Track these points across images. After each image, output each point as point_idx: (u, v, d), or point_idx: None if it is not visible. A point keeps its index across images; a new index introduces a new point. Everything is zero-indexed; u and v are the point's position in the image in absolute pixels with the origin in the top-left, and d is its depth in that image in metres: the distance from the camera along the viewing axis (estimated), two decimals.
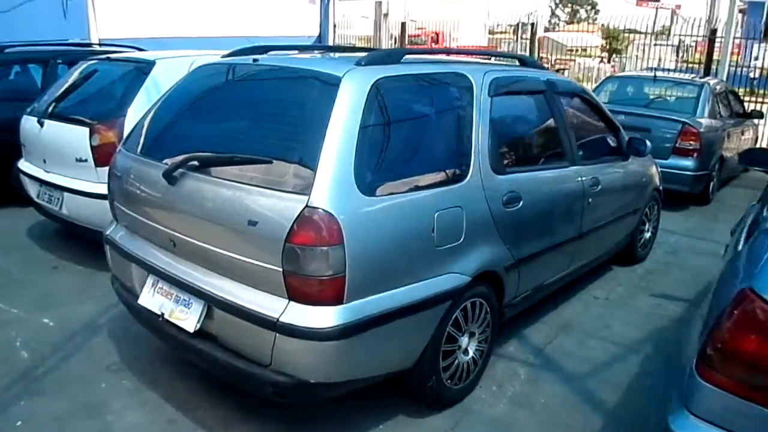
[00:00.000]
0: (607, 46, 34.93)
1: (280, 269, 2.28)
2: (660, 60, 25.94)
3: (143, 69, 4.40)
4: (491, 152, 2.94)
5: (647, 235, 5.14)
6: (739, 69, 13.33)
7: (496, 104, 3.06)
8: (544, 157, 3.55)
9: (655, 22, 28.29)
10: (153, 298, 2.78)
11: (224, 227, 2.45)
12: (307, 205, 2.23)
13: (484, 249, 2.86)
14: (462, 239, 2.71)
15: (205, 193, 2.51)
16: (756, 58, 16.21)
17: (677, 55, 25.35)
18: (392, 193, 2.45)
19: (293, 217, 2.24)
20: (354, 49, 4.38)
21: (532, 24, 18.49)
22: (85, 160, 4.17)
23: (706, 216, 6.95)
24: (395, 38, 15.31)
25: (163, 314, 2.70)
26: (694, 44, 24.12)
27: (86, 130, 4.15)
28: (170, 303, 2.70)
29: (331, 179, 2.27)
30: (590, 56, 32.30)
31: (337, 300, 2.29)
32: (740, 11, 30.48)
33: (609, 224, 4.18)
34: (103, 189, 3.92)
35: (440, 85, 2.94)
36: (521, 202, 3.07)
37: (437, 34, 28.22)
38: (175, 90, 3.16)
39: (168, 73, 4.38)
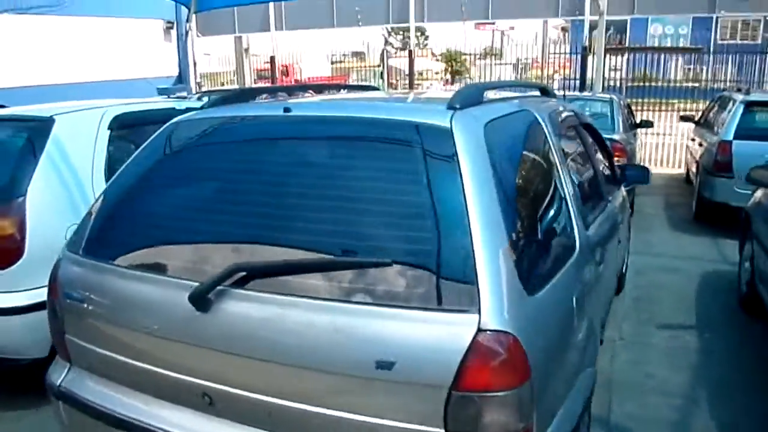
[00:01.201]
0: (449, 69, 36.63)
1: (441, 431, 1.49)
2: (499, 78, 27.67)
3: (38, 130, 3.24)
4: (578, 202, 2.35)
5: (627, 259, 4.89)
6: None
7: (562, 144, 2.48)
8: (597, 199, 3.02)
9: (492, 44, 30.07)
10: None
11: (325, 373, 1.58)
12: (479, 329, 1.46)
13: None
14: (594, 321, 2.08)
15: (274, 322, 1.62)
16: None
17: (515, 73, 27.23)
18: (544, 285, 1.75)
19: (462, 348, 1.46)
20: (351, 87, 3.53)
21: (384, 51, 18.62)
22: None
23: (636, 228, 6.96)
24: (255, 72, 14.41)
25: None
26: (530, 62, 26.00)
27: None
28: None
29: (500, 281, 1.50)
30: (435, 79, 33.62)
31: None
32: (562, 29, 33.63)
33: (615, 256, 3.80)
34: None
35: (523, 127, 2.27)
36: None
37: (286, 67, 27.65)
38: (152, 158, 2.17)
39: (74, 133, 3.33)
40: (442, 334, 1.48)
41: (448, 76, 34.83)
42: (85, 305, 1.93)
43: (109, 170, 3.41)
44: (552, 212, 2.07)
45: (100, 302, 1.92)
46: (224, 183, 2.01)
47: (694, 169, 7.89)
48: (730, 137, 6.32)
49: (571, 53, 25.31)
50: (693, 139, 8.47)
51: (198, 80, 10.63)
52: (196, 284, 1.66)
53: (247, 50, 14.01)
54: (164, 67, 12.14)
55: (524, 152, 2.16)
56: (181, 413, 1.81)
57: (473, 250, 1.51)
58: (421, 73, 35.88)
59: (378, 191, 1.76)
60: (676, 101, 15.36)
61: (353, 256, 1.64)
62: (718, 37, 26.67)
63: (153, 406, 1.86)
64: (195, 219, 1.95)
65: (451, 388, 1.46)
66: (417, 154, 1.73)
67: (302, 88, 3.65)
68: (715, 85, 19.62)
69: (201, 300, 1.66)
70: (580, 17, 21.01)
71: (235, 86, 14.40)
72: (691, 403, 3.27)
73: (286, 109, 2.02)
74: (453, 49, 33.29)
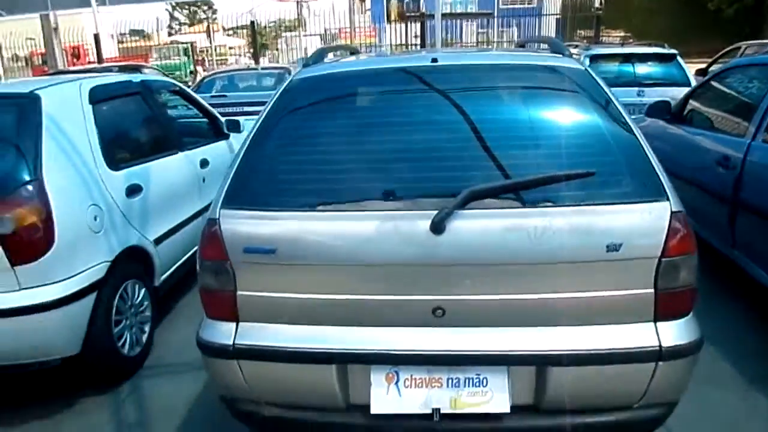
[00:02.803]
0: (250, 43, 35.79)
1: (652, 291, 1.88)
2: (306, 50, 27.90)
3: (26, 107, 2.88)
4: None
5: None
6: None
7: None
8: None
9: (299, 15, 30.04)
10: (401, 397, 1.95)
11: (565, 264, 1.86)
12: (672, 211, 1.88)
13: None
14: None
15: (512, 230, 1.85)
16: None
17: (324, 43, 27.79)
18: None
19: (665, 227, 1.86)
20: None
21: (210, 27, 17.58)
22: None
23: None
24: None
25: (437, 410, 1.93)
26: (337, 32, 26.63)
27: None
28: (444, 391, 1.94)
29: (664, 174, 1.95)
30: (239, 55, 32.66)
31: (690, 308, 2.00)
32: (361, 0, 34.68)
33: None
34: (32, 298, 2.61)
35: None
36: None
37: (76, 48, 24.87)
38: (291, 113, 2.17)
39: (63, 108, 3.07)
40: (649, 218, 1.87)
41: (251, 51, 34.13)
42: (278, 255, 1.94)
43: (103, 145, 3.17)
44: None
45: (305, 246, 1.94)
46: (404, 129, 2.15)
47: None
48: None
49: (372, 22, 26.43)
50: None
51: None
52: (433, 213, 1.83)
53: (56, 29, 12.46)
54: None
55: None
56: (399, 333, 1.94)
57: (650, 159, 1.95)
58: (215, 49, 34.59)
59: (560, 124, 2.15)
60: None
61: (553, 170, 1.93)
62: (500, 2, 29.79)
63: (361, 332, 1.96)
64: (374, 161, 2.05)
65: (660, 256, 1.86)
66: (577, 89, 2.13)
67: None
68: (505, 45, 21.98)
69: (440, 224, 1.83)
70: None
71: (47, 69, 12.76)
72: None
73: (434, 60, 2.27)
74: (252, 20, 32.59)
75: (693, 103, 4.65)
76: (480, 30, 25.28)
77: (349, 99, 2.30)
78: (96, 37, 12.13)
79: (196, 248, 3.90)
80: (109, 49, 26.78)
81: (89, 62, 23.52)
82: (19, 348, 2.69)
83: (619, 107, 2.10)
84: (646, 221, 1.87)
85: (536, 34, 22.80)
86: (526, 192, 1.91)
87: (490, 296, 1.90)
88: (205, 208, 3.98)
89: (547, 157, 2.00)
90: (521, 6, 29.23)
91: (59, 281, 2.72)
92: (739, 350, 3.25)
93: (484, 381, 1.94)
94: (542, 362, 1.90)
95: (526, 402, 1.96)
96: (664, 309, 1.90)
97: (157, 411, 2.93)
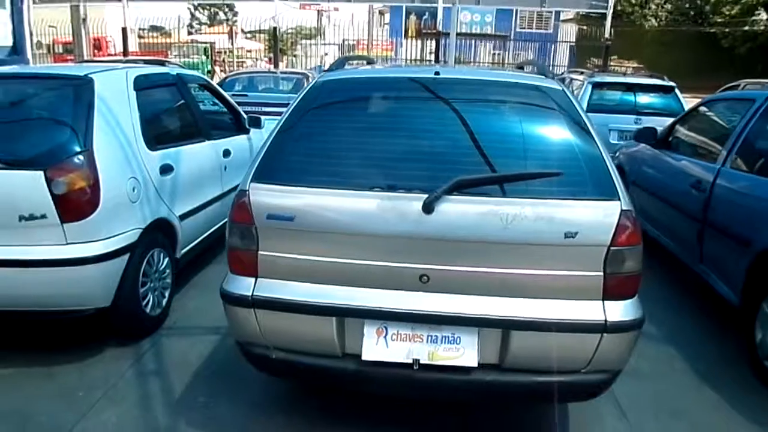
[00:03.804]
0: (269, 48, 36.33)
1: (601, 274, 2.27)
2: (322, 58, 28.37)
3: (82, 87, 3.31)
4: None
5: None
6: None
7: None
8: None
9: (319, 24, 30.67)
10: (388, 348, 2.35)
11: (529, 245, 2.27)
12: (621, 209, 2.28)
13: None
14: None
15: (490, 214, 2.25)
16: None
17: (341, 53, 28.30)
18: None
19: (615, 221, 2.26)
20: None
21: (232, 29, 18.12)
22: (41, 217, 2.99)
23: None
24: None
25: (417, 360, 2.33)
26: (355, 43, 27.17)
27: (38, 174, 2.97)
28: (423, 345, 2.33)
29: (619, 181, 2.36)
30: (257, 58, 33.28)
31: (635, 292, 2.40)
32: (380, 13, 35.29)
33: None
34: (77, 252, 3.01)
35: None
36: None
37: (98, 40, 25.45)
38: (313, 110, 2.63)
39: (112, 91, 3.50)
40: (602, 213, 2.28)
41: (271, 55, 34.71)
42: (295, 223, 2.35)
43: (143, 126, 3.59)
44: None
45: (317, 217, 2.34)
46: (403, 129, 2.59)
47: None
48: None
49: (390, 37, 26.91)
50: None
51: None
52: (424, 196, 2.24)
53: (84, 20, 12.97)
54: None
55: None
56: (391, 294, 2.34)
57: (608, 167, 2.37)
58: (232, 51, 35.18)
59: (529, 131, 2.60)
60: None
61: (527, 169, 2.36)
62: (517, 26, 30.42)
63: (359, 292, 2.36)
64: (379, 151, 2.49)
65: (609, 245, 2.26)
66: (553, 106, 2.57)
67: None
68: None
69: (430, 205, 2.24)
70: (398, 3, 22.63)
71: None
72: None
73: (437, 73, 2.69)
74: (275, 26, 33.06)
75: (677, 131, 5.06)
76: (495, 51, 25.83)
77: (362, 100, 2.74)
78: (123, 31, 12.68)
79: (214, 228, 4.37)
80: (130, 44, 27.36)
81: (110, 55, 24.10)
82: (62, 295, 3.10)
83: (588, 123, 2.52)
84: (599, 216, 2.28)
85: (550, 59, 23.31)
86: (503, 185, 2.32)
87: (468, 268, 2.30)
88: (225, 194, 4.42)
89: (522, 158, 2.43)
90: (537, 31, 29.89)
91: (100, 240, 3.13)
92: (695, 352, 3.64)
93: (458, 339, 2.33)
94: (507, 326, 2.30)
95: (491, 360, 2.36)
96: (611, 290, 2.30)
97: (173, 364, 3.31)
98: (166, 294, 3.79)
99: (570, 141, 2.47)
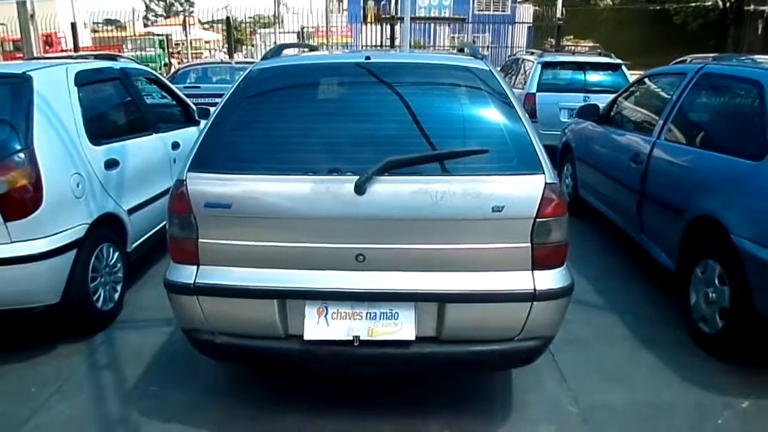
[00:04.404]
0: (226, 38, 35.80)
1: (529, 245, 2.38)
2: None
3: (20, 86, 3.28)
4: None
5: None
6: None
7: None
8: None
9: (276, 12, 30.29)
10: (329, 327, 2.43)
11: (459, 221, 2.35)
12: (546, 182, 2.38)
13: None
14: None
15: (421, 192, 2.33)
16: None
17: (299, 41, 27.96)
18: None
19: (539, 195, 2.36)
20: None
21: (186, 20, 17.82)
22: None
23: None
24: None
25: (357, 337, 2.41)
26: (314, 30, 26.97)
27: None
28: (363, 322, 2.42)
29: (544, 155, 2.46)
30: (214, 49, 32.80)
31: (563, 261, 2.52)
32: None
33: None
34: (22, 249, 3.02)
35: None
36: None
37: (49, 36, 24.75)
38: (253, 95, 2.69)
39: (51, 88, 3.49)
40: (527, 187, 2.38)
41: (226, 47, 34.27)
42: (232, 210, 2.40)
43: (86, 122, 3.58)
44: None
45: (254, 203, 2.39)
46: (334, 112, 2.68)
47: None
48: (534, 90, 8.02)
49: (348, 23, 26.78)
50: None
51: None
52: (356, 178, 2.30)
53: (32, 16, 12.61)
54: None
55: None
56: (328, 274, 2.41)
57: (531, 140, 2.46)
58: (190, 42, 34.60)
59: (458, 109, 2.69)
60: None
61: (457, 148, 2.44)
62: (475, 8, 30.54)
63: (297, 273, 2.42)
64: (313, 136, 2.54)
65: (535, 217, 2.37)
66: (480, 85, 2.65)
67: None
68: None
69: (362, 186, 2.31)
70: None
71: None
72: None
73: (367, 58, 2.76)
74: (228, 16, 32.52)
75: (617, 107, 5.22)
76: (453, 35, 25.91)
77: (295, 87, 2.79)
78: (73, 26, 12.41)
79: (165, 222, 4.37)
80: (83, 39, 26.56)
81: (62, 50, 23.48)
82: (9, 293, 3.09)
83: (513, 100, 2.61)
84: (525, 189, 2.38)
85: (509, 41, 23.49)
86: (432, 163, 2.41)
87: (401, 245, 2.39)
88: None
89: (450, 137, 2.51)
90: (495, 13, 30.07)
91: (45, 237, 3.13)
92: (636, 318, 3.80)
93: (396, 315, 2.42)
94: (442, 300, 2.40)
95: (428, 333, 2.45)
96: (539, 260, 2.41)
97: (126, 357, 3.34)
98: (118, 288, 3.80)
99: (496, 119, 2.56)
